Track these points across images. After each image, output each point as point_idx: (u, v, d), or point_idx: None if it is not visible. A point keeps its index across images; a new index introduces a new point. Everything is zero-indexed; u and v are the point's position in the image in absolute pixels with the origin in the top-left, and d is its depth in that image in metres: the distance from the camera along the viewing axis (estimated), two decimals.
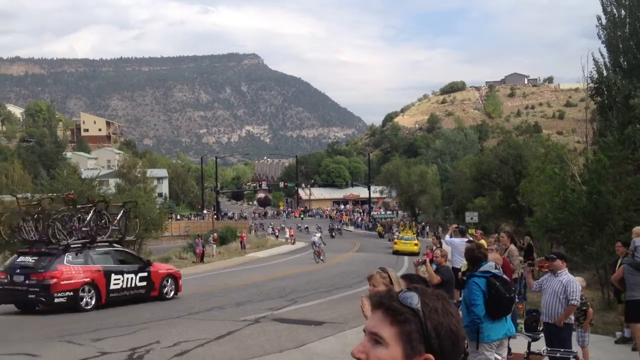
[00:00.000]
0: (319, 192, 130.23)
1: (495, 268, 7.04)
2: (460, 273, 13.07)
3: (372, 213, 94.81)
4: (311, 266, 31.37)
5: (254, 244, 50.86)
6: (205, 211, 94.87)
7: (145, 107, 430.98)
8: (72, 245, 16.44)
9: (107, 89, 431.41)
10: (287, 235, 56.86)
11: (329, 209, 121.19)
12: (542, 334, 8.89)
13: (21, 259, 16.35)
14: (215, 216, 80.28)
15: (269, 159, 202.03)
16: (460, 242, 14.49)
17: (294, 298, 17.99)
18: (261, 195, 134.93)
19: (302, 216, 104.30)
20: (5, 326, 13.63)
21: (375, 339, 1.60)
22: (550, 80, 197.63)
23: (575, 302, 8.27)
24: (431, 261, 12.00)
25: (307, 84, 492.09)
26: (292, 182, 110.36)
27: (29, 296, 15.45)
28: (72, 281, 15.66)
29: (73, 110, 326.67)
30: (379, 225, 74.92)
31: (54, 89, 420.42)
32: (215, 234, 47.77)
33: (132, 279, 17.28)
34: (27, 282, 15.45)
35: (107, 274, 16.55)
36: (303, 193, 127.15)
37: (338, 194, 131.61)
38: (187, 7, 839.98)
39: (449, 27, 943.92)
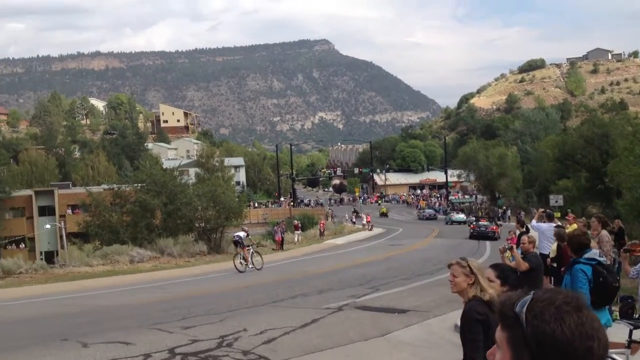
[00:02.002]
0: (394, 177, 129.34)
1: (600, 256, 6.80)
2: (548, 260, 12.67)
3: (449, 197, 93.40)
4: (390, 252, 31.22)
5: (332, 231, 51.08)
6: (282, 198, 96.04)
7: (221, 96, 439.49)
8: None
9: (183, 80, 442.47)
10: (364, 222, 56.79)
11: (405, 194, 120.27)
12: None
13: None
14: (291, 203, 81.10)
15: (342, 145, 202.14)
16: (548, 227, 14.03)
17: (375, 285, 17.95)
18: (336, 181, 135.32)
19: (379, 202, 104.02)
20: (100, 315, 14.23)
21: (496, 342, 1.63)
22: (635, 54, 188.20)
23: None
24: (516, 246, 11.69)
25: (379, 68, 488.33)
26: (366, 167, 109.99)
27: None
28: None
29: (152, 102, 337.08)
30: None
31: (134, 82, 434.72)
32: (297, 221, 48.46)
33: None
34: None
35: None
36: (378, 178, 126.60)
37: (414, 178, 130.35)
38: None
39: (525, 3, 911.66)
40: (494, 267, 5.30)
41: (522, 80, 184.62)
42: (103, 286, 20.15)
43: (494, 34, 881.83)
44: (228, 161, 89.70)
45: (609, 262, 12.19)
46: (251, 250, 24.05)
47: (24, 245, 54.20)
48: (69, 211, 56.17)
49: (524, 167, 72.57)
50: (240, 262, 23.19)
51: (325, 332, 11.16)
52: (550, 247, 13.28)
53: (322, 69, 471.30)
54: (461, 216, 64.58)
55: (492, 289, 4.71)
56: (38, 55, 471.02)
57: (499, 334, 1.61)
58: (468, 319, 4.50)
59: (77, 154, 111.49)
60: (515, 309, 1.57)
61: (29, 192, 59.94)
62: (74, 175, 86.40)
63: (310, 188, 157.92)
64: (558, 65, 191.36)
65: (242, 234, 24.31)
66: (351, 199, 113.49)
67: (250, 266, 23.30)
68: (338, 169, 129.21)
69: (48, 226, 49.36)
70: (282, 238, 38.32)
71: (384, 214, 75.41)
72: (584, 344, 1.48)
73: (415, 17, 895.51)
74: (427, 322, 12.15)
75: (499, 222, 51.13)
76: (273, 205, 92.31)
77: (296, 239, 42.81)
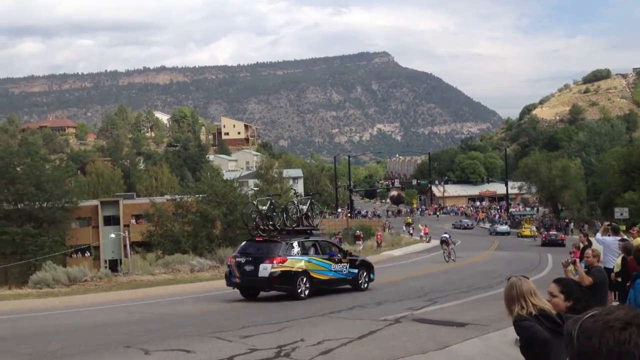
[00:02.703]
0: (453, 189, 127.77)
1: None
2: (613, 274, 12.29)
3: (510, 210, 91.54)
4: (448, 265, 30.83)
5: (389, 242, 50.85)
6: (339, 210, 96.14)
7: (280, 109, 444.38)
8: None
9: (244, 93, 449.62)
10: (422, 233, 56.30)
11: (464, 205, 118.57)
12: None
13: None
14: (349, 214, 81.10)
15: (400, 157, 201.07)
16: (613, 241, 13.62)
17: (433, 298, 17.76)
18: (394, 193, 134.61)
19: (437, 214, 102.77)
20: (162, 323, 14.56)
21: None
22: None
23: None
24: (579, 260, 11.38)
25: (439, 79, 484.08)
26: (425, 179, 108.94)
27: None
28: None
29: (214, 115, 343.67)
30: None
31: (197, 96, 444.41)
32: (359, 232, 48.93)
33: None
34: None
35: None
36: (436, 190, 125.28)
37: (473, 190, 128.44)
38: (320, 10, 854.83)
39: (590, 13, 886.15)
40: (558, 281, 5.21)
41: (586, 91, 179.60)
42: (164, 294, 20.62)
43: (558, 44, 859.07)
44: (287, 172, 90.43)
45: None
46: None
47: (89, 254, 56.01)
48: (133, 221, 57.73)
49: (588, 179, 70.54)
50: None
51: (382, 345, 11.11)
52: (615, 261, 12.88)
53: (381, 81, 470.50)
54: (504, 227, 72.03)
55: (543, 303, 4.68)
56: (106, 71, 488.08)
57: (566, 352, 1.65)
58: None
59: (142, 166, 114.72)
60: (570, 326, 1.61)
61: (95, 202, 61.94)
62: (138, 186, 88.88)
63: (367, 199, 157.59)
64: (624, 76, 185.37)
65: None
66: (409, 210, 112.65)
67: None
68: (396, 180, 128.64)
69: (113, 235, 50.92)
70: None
71: (408, 224, 74.38)
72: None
73: (477, 28, 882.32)
74: (486, 336, 11.93)
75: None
76: (330, 217, 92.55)
77: (358, 249, 43.06)
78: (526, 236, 61.23)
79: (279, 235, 18.93)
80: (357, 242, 45.38)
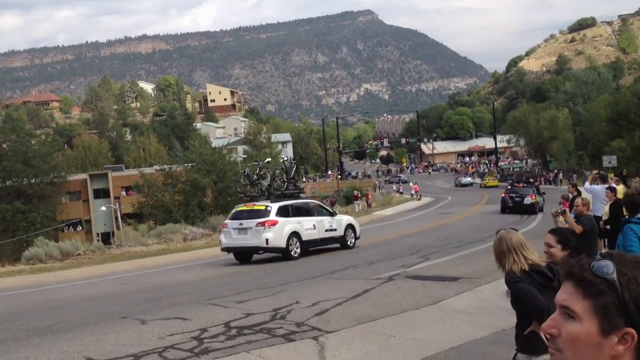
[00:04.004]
0: (442, 146, 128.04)
1: None
2: (602, 222, 12.38)
3: (499, 163, 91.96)
4: (439, 221, 31.03)
5: (380, 202, 51.04)
6: (329, 172, 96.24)
7: (266, 73, 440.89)
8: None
9: (228, 59, 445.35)
10: (413, 192, 56.51)
11: (453, 162, 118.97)
12: None
13: None
14: (339, 176, 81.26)
15: (389, 116, 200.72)
16: (602, 189, 13.67)
17: (425, 254, 17.89)
18: (383, 152, 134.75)
19: (429, 171, 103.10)
20: (157, 293, 14.62)
21: (568, 312, 1.49)
22: None
23: None
24: (569, 210, 11.44)
25: (424, 36, 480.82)
26: (413, 137, 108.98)
27: None
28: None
29: (199, 82, 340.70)
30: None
31: (180, 63, 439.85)
32: (356, 192, 49.54)
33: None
34: None
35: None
36: (426, 148, 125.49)
37: (462, 146, 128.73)
38: None
39: None
40: (554, 232, 5.21)
41: (572, 40, 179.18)
42: (158, 264, 20.68)
43: None
44: (275, 137, 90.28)
45: None
46: None
47: (80, 228, 55.97)
48: (123, 193, 57.59)
49: (576, 130, 70.80)
50: None
51: (377, 302, 11.20)
52: (603, 209, 12.96)
53: (366, 40, 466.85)
54: (468, 179, 78.32)
55: (534, 255, 4.69)
56: (87, 42, 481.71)
57: (578, 303, 1.47)
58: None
59: (129, 137, 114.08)
60: (600, 274, 1.46)
61: (83, 176, 61.66)
62: (127, 158, 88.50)
63: (357, 161, 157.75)
64: (609, 23, 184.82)
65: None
66: (398, 169, 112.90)
67: None
68: (385, 140, 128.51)
69: (103, 208, 50.79)
70: None
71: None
72: None
73: None
74: (479, 289, 12.06)
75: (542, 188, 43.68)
76: (321, 179, 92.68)
77: (357, 209, 43.91)
78: (491, 186, 66.32)
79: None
80: (355, 201, 46.22)
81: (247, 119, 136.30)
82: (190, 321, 10.31)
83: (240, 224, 18.56)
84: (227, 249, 19.14)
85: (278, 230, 18.20)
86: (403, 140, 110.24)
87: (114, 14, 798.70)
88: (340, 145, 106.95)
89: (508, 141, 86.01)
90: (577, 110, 78.51)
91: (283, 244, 18.28)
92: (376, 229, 29.79)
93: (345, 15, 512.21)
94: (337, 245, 20.58)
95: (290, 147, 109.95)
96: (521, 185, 38.45)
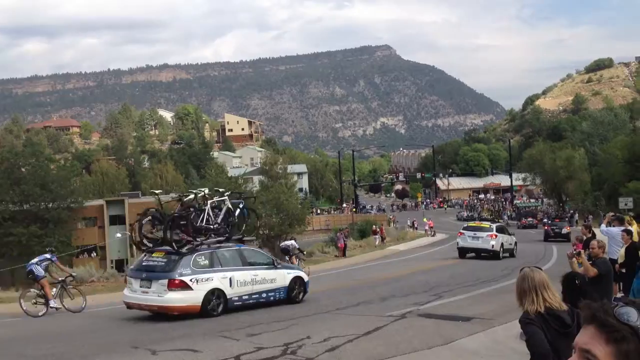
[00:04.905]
0: (457, 182, 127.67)
1: None
2: (617, 265, 12.29)
3: (515, 201, 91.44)
4: (453, 260, 30.85)
5: (394, 237, 50.85)
6: (344, 205, 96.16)
7: (283, 104, 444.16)
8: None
9: (247, 89, 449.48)
10: (427, 227, 56.26)
11: (468, 198, 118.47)
12: None
13: None
14: (354, 209, 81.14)
15: (405, 150, 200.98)
16: (618, 232, 13.59)
17: (438, 292, 17.79)
18: (399, 187, 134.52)
19: (445, 207, 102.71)
20: (168, 323, 14.61)
21: (588, 357, 1.47)
22: None
23: None
24: (584, 251, 11.38)
25: (441, 72, 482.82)
26: (429, 172, 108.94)
27: None
28: None
29: (217, 112, 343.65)
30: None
31: (200, 93, 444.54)
32: (375, 226, 49.59)
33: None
34: None
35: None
36: (441, 183, 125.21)
37: (477, 182, 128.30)
38: (322, 4, 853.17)
39: (593, 2, 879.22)
40: (567, 278, 5.22)
41: (589, 81, 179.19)
42: None
43: (561, 34, 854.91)
44: (291, 168, 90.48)
45: None
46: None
47: (95, 254, 56.10)
48: None
49: (592, 170, 70.37)
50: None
51: (388, 340, 11.15)
52: (619, 252, 12.87)
53: (384, 74, 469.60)
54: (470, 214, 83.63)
55: (555, 298, 4.64)
56: (109, 69, 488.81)
57: (600, 348, 1.46)
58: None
59: (146, 164, 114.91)
60: (624, 320, 1.44)
61: (100, 201, 62.02)
62: (144, 185, 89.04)
63: (372, 194, 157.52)
64: (626, 64, 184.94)
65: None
66: (414, 204, 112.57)
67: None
68: (400, 174, 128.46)
69: (119, 235, 50.98)
70: (345, 244, 38.46)
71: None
72: None
73: (479, 19, 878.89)
74: (492, 330, 11.98)
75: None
76: (335, 212, 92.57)
77: (377, 243, 44.35)
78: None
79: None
80: (374, 235, 46.37)
81: (263, 149, 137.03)
82: (200, 353, 10.33)
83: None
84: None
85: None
86: (418, 175, 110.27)
87: (136, 43, 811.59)
88: (356, 178, 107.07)
89: (524, 179, 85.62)
90: (593, 151, 78.17)
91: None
92: (389, 265, 29.66)
93: (364, 49, 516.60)
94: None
95: (305, 178, 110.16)
96: (558, 220, 53.60)
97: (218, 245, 15.64)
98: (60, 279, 17.10)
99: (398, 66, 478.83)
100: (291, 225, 36.13)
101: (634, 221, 16.46)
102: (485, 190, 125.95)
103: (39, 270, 16.45)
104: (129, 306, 15.06)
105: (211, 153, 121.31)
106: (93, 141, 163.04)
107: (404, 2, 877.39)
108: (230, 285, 14.94)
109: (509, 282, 16.13)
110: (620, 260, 12.40)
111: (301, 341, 10.97)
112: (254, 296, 15.59)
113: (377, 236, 46.41)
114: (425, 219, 61.82)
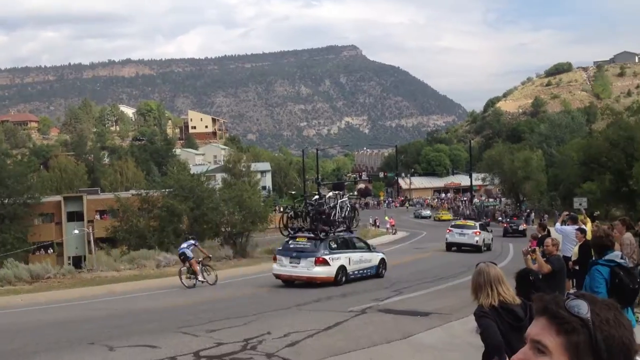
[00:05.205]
0: (419, 181, 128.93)
1: (621, 258, 6.79)
2: (571, 262, 12.60)
3: (474, 201, 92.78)
4: (415, 256, 31.19)
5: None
6: None
7: (248, 102, 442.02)
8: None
9: (212, 86, 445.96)
10: (388, 226, 56.65)
11: (429, 197, 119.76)
12: None
13: None
14: None
15: (368, 150, 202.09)
16: (572, 230, 13.93)
17: (398, 289, 18.00)
18: (361, 185, 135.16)
19: (407, 206, 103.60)
20: (127, 319, 14.47)
21: (539, 347, 1.50)
22: None
23: None
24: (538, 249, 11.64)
25: (406, 73, 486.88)
26: (392, 171, 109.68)
27: None
28: None
29: (181, 109, 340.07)
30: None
31: (163, 89, 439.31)
32: None
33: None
34: None
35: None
36: (403, 182, 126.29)
37: (439, 182, 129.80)
38: (290, 2, 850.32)
39: (556, 7, 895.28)
40: (521, 274, 5.32)
41: (548, 84, 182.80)
42: (130, 290, 20.42)
43: (524, 38, 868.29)
44: (255, 166, 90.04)
45: (631, 265, 12.09)
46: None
47: (52, 251, 55.06)
48: (97, 217, 56.92)
49: (548, 171, 71.91)
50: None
51: (348, 335, 11.23)
52: (572, 250, 13.20)
53: (349, 74, 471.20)
54: (427, 212, 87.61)
55: (508, 293, 4.75)
56: (70, 63, 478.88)
57: (550, 339, 1.49)
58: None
59: (106, 160, 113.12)
60: (575, 312, 1.48)
61: (58, 198, 60.89)
62: (103, 181, 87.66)
63: (335, 192, 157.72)
64: (585, 69, 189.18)
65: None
66: (376, 203, 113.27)
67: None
68: (363, 173, 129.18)
69: (76, 231, 50.07)
70: None
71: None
72: (634, 345, 1.48)
73: (445, 22, 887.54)
74: (449, 325, 12.17)
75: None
76: None
77: None
78: (444, 220, 70.31)
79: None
80: None
81: (227, 147, 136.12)
82: (159, 349, 10.24)
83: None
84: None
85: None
86: (381, 174, 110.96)
87: (99, 37, 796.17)
88: (319, 177, 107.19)
89: (483, 179, 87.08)
90: (550, 152, 79.84)
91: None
92: None
93: (330, 49, 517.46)
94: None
95: (269, 176, 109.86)
96: (516, 218, 60.35)
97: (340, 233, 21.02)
98: (199, 259, 20.90)
99: (364, 66, 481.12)
100: (253, 222, 35.90)
101: (588, 220, 16.90)
102: (446, 189, 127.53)
103: (189, 253, 20.44)
104: (280, 277, 19.67)
105: (173, 150, 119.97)
106: (52, 137, 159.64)
107: (372, 1, 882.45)
108: (349, 263, 19.86)
109: (467, 279, 16.39)
110: (574, 258, 12.71)
111: (261, 336, 10.97)
112: (360, 272, 20.46)
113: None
114: (387, 217, 62.24)
